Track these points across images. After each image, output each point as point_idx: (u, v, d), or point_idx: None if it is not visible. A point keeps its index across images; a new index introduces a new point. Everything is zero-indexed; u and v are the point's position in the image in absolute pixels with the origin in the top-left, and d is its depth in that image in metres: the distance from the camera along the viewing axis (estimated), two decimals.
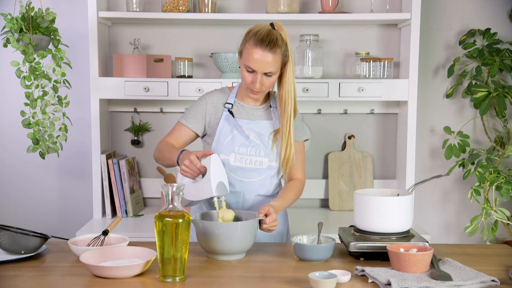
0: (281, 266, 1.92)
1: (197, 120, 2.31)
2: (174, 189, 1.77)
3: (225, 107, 2.31)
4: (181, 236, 1.74)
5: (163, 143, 2.30)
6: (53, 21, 2.71)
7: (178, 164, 2.17)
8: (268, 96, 2.36)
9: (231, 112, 2.29)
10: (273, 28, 2.19)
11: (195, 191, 2.12)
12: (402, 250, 1.86)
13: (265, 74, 2.18)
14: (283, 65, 2.22)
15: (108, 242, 2.07)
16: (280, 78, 2.25)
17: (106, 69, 3.19)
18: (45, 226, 3.28)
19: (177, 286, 1.73)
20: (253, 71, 2.19)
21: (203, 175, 2.12)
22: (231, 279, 1.80)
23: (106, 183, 3.05)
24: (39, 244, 2.00)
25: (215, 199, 2.09)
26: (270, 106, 2.34)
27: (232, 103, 2.31)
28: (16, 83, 3.05)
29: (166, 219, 1.74)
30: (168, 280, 1.76)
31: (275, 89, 2.34)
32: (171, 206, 1.77)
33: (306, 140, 2.39)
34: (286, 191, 2.29)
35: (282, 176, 2.38)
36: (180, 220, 1.74)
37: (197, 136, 2.35)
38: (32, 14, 2.66)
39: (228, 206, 2.21)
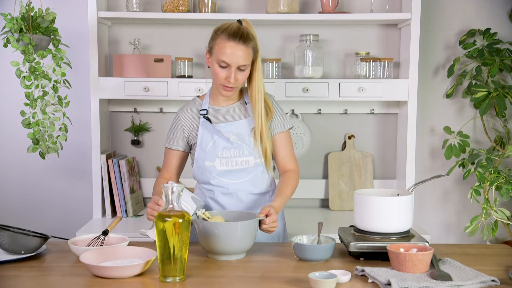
0: (281, 266, 1.92)
1: (178, 139, 2.33)
2: (174, 189, 1.77)
3: (200, 115, 2.31)
4: (181, 236, 1.74)
5: (157, 182, 2.32)
6: (53, 21, 2.71)
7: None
8: (241, 93, 2.36)
9: (207, 119, 2.29)
10: (241, 24, 2.22)
11: None
12: (402, 250, 1.86)
13: (239, 68, 2.19)
14: (252, 61, 2.24)
15: (108, 242, 2.07)
16: (250, 76, 2.26)
17: (106, 69, 3.19)
18: (45, 226, 3.28)
19: (177, 286, 1.73)
20: (226, 66, 2.19)
21: None
22: (231, 279, 1.80)
23: (106, 183, 3.05)
24: (39, 244, 2.00)
25: (198, 212, 2.08)
26: (246, 102, 2.33)
27: (207, 108, 2.31)
28: (16, 83, 3.05)
29: (166, 219, 1.74)
30: (168, 280, 1.76)
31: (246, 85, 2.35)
32: (171, 206, 1.77)
33: (290, 128, 2.38)
34: (283, 187, 2.28)
35: (274, 171, 2.39)
36: (180, 220, 1.74)
37: (186, 153, 2.37)
38: (32, 14, 2.66)
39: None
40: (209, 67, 2.25)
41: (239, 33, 2.17)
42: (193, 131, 2.31)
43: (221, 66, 2.19)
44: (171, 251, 1.74)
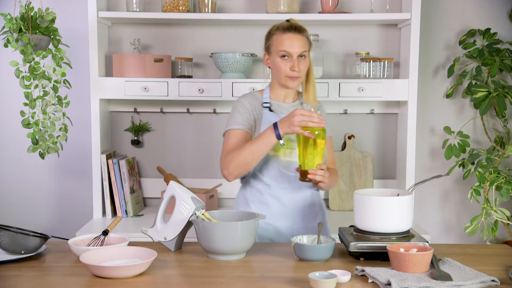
0: (281, 266, 1.92)
1: (248, 121, 2.32)
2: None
3: (263, 107, 2.35)
4: (318, 142, 2.11)
5: (232, 150, 2.24)
6: (53, 21, 2.71)
7: (278, 137, 2.16)
8: (297, 94, 2.43)
9: (272, 111, 2.35)
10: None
11: (175, 222, 2.08)
12: (402, 250, 1.86)
13: (299, 56, 2.28)
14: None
15: (108, 242, 2.07)
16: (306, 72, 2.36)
17: (106, 69, 3.19)
18: (45, 226, 3.28)
19: (179, 286, 1.73)
20: (288, 57, 2.28)
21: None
22: (231, 279, 1.80)
23: (106, 183, 3.05)
24: (39, 244, 2.01)
25: (197, 213, 2.07)
26: (302, 103, 2.39)
27: (269, 102, 2.37)
28: (17, 83, 3.05)
29: (311, 124, 2.07)
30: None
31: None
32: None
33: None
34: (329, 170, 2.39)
35: None
36: (319, 131, 2.11)
37: (251, 137, 2.35)
38: (32, 14, 2.66)
39: (219, 216, 2.19)
40: (269, 67, 2.36)
41: (292, 26, 2.31)
42: (258, 119, 2.34)
43: (282, 57, 2.28)
44: (310, 153, 2.10)
